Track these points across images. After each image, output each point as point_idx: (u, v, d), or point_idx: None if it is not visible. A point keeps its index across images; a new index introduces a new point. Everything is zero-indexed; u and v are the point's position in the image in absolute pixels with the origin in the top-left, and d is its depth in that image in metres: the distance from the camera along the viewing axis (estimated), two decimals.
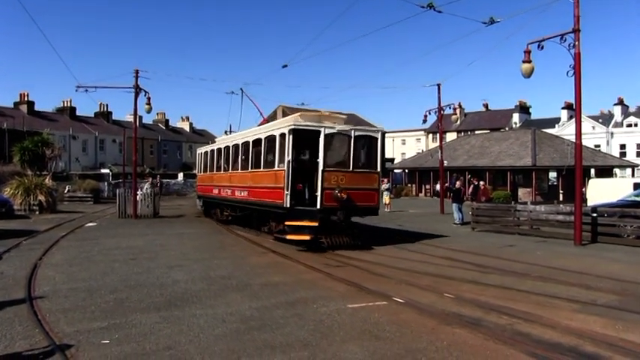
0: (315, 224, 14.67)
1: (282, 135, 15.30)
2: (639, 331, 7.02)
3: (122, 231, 20.53)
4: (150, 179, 35.28)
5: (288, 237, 15.05)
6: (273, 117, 52.56)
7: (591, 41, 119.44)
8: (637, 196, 20.71)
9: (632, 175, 50.07)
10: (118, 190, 29.59)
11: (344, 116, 16.35)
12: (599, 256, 14.30)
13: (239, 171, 19.78)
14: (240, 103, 50.14)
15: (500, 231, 20.00)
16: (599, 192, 26.20)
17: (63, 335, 6.79)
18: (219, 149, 23.45)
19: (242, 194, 19.03)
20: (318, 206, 14.71)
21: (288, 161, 14.78)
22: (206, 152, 26.67)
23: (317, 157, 15.03)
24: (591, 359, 6.04)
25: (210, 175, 25.12)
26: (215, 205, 24.63)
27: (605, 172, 45.18)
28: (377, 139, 16.10)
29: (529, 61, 16.80)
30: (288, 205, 14.83)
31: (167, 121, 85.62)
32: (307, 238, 14.72)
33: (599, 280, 10.73)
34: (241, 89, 29.80)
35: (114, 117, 76.87)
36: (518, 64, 16.98)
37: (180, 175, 62.70)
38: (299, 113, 15.91)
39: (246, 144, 18.98)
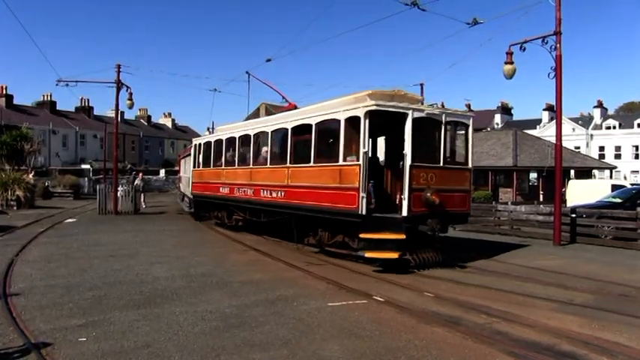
0: (402, 237, 11.29)
1: (352, 119, 11.79)
2: (614, 330, 7.13)
3: (102, 227, 20.33)
4: (141, 174, 34.76)
5: (368, 255, 11.49)
6: (255, 115, 52.31)
7: (572, 44, 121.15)
8: (615, 197, 21.02)
9: (611, 177, 50.94)
10: (98, 186, 29.37)
11: (421, 97, 13.20)
12: (577, 256, 14.48)
13: (267, 166, 15.58)
14: (247, 90, 48.45)
15: (481, 231, 20.15)
16: (579, 193, 26.57)
17: (39, 333, 6.70)
18: (230, 139, 18.77)
19: (274, 195, 14.91)
20: (405, 213, 11.46)
21: (365, 153, 11.43)
22: (207, 143, 21.59)
23: (392, 147, 12.17)
24: (568, 357, 6.11)
25: (214, 171, 20.27)
26: (219, 207, 20.37)
27: (585, 173, 45.73)
28: (468, 126, 13.13)
29: (511, 63, 16.94)
30: (365, 212, 11.34)
31: (149, 117, 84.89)
32: (394, 256, 11.30)
33: (577, 279, 10.86)
34: (247, 72, 25.63)
35: (95, 112, 75.92)
36: (501, 65, 17.13)
37: (162, 172, 62.31)
38: (368, 92, 12.42)
39: (280, 132, 15.03)
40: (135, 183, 30.60)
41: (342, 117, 12.17)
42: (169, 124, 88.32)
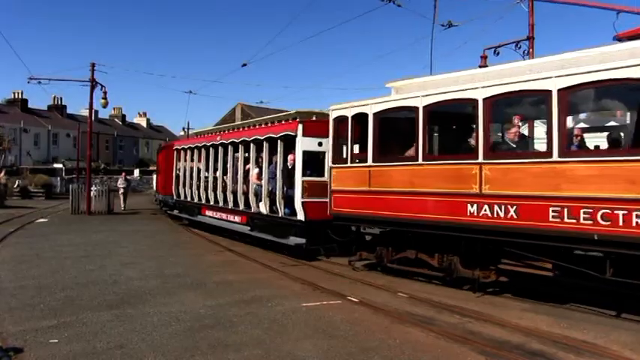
0: None
1: None
2: (582, 328, 7.30)
3: (75, 227, 20.03)
4: (124, 174, 33.63)
5: None
6: (231, 116, 52.09)
7: (545, 48, 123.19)
8: None
9: None
10: (71, 186, 28.91)
11: None
12: None
13: None
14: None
15: None
16: None
17: (7, 335, 6.61)
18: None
19: None
20: None
21: None
22: (408, 114, 10.36)
23: None
24: (537, 356, 6.24)
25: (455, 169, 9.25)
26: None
27: None
28: None
29: (485, 66, 17.19)
30: None
31: (124, 116, 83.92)
32: None
33: None
34: None
35: (68, 111, 74.76)
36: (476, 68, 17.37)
37: (136, 172, 61.54)
38: None
39: None
40: (118, 183, 30.10)
41: None
42: (144, 124, 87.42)
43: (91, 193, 26.29)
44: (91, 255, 13.31)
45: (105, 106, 27.70)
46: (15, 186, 38.61)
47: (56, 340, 6.43)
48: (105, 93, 26.70)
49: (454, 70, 10.16)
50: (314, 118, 13.65)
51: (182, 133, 62.82)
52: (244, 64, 27.32)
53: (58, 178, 49.00)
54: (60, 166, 57.15)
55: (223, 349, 6.23)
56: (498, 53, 17.00)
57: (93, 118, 31.30)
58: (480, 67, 14.48)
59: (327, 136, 12.28)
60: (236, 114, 50.97)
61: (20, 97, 67.40)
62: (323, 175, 12.91)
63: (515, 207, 8.27)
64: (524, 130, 10.20)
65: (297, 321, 7.55)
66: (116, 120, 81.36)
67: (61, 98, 73.19)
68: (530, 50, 16.39)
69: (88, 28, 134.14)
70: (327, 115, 12.35)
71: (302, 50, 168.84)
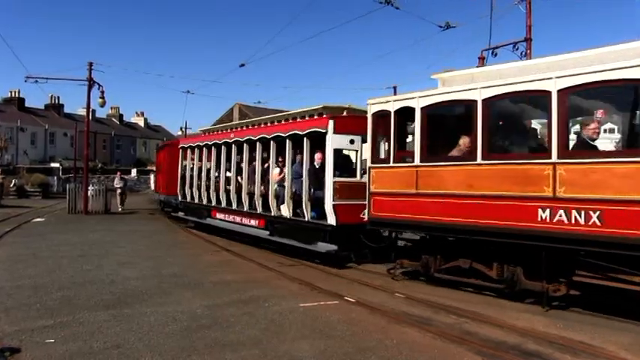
0: None
1: None
2: (578, 329, 7.30)
3: (72, 227, 20.01)
4: (119, 173, 33.49)
5: None
6: (229, 116, 52.12)
7: (544, 49, 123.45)
8: None
9: None
10: (68, 185, 28.86)
11: None
12: None
13: None
14: None
15: None
16: None
17: (3, 335, 6.59)
18: None
19: None
20: None
21: None
22: None
23: None
24: (533, 356, 6.26)
25: None
26: None
27: None
28: None
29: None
30: None
31: (121, 115, 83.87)
32: None
33: None
34: None
35: (66, 110, 74.64)
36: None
37: (134, 171, 61.51)
38: None
39: None
40: (114, 182, 30.03)
41: None
42: (142, 124, 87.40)
43: (88, 193, 26.24)
44: (88, 254, 13.30)
45: (102, 105, 27.79)
46: (12, 185, 38.58)
47: (52, 340, 6.42)
48: (102, 92, 26.74)
49: (512, 60, 9.26)
50: (344, 114, 12.78)
51: (180, 132, 62.83)
52: (242, 65, 27.40)
53: (55, 178, 48.94)
54: (57, 165, 57.11)
55: (220, 349, 6.23)
56: (496, 54, 17.09)
57: (90, 117, 31.17)
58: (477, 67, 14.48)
59: (360, 133, 11.49)
60: (234, 114, 51.01)
61: (17, 95, 67.28)
62: (355, 176, 12.28)
63: (598, 212, 7.22)
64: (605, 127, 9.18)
65: (294, 321, 7.55)
66: (113, 119, 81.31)
67: (58, 97, 73.11)
68: (528, 52, 16.44)
69: (87, 28, 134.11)
70: (358, 110, 11.49)
71: (302, 50, 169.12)
